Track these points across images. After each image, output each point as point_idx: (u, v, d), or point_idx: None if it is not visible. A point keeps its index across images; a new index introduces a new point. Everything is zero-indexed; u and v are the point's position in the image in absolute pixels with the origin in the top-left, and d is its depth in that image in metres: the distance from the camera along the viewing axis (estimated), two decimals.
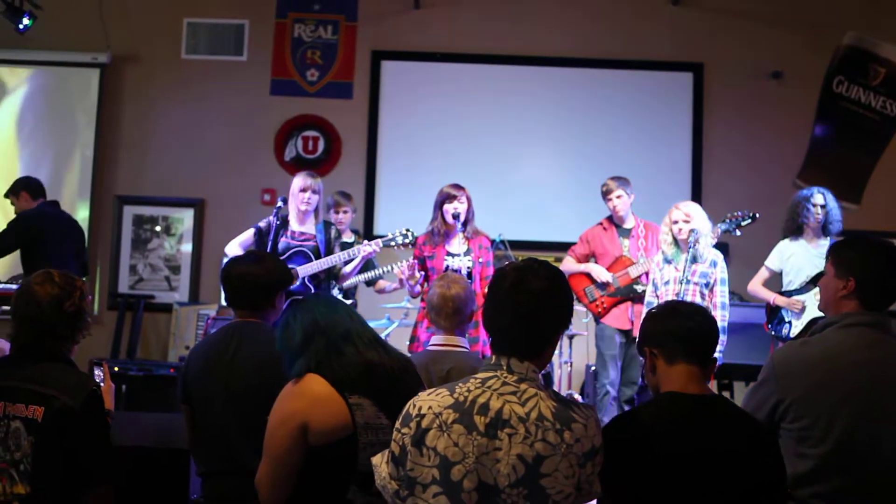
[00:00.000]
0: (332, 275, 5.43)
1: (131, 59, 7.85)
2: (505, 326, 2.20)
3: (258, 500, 3.04)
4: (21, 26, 6.94)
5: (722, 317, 5.22)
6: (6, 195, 6.40)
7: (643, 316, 2.68)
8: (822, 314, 5.14)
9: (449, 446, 2.11)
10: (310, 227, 5.35)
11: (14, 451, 2.64)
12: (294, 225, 5.35)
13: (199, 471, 3.25)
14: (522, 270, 2.22)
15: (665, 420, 2.32)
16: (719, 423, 2.32)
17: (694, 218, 5.28)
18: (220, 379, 3.16)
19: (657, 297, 5.32)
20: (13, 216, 6.29)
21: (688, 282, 5.25)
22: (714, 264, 5.29)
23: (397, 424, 2.23)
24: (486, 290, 2.34)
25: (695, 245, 5.20)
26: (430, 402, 2.18)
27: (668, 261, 5.33)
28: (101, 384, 2.95)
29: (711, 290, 5.28)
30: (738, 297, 6.42)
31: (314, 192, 5.31)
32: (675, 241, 5.30)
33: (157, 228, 7.81)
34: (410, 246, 5.47)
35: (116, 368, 6.09)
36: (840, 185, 7.30)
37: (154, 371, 6.28)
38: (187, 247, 7.78)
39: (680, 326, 2.40)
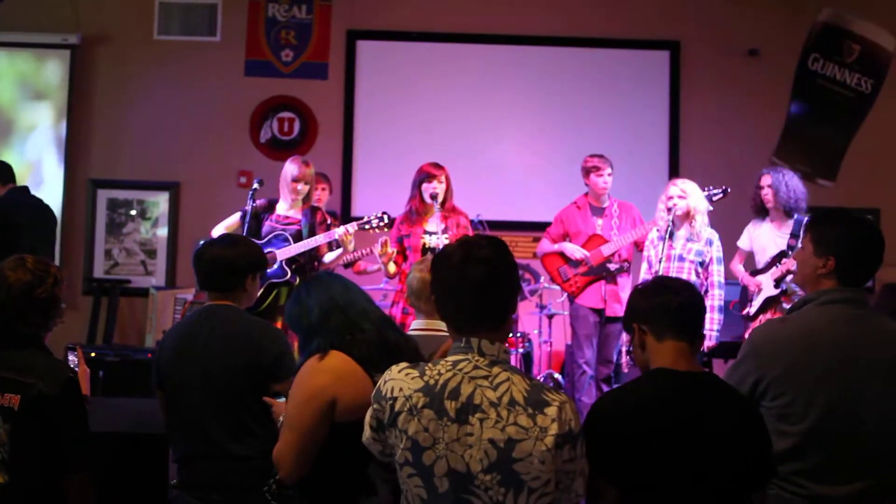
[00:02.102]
0: (313, 258, 5.39)
1: (102, 40, 7.72)
2: (465, 303, 2.17)
3: (234, 482, 3.04)
4: None
5: (718, 296, 5.28)
6: None
7: (631, 291, 2.66)
8: (774, 294, 5.27)
9: (419, 431, 2.09)
10: (296, 212, 5.32)
11: None
12: (280, 208, 5.33)
13: (175, 456, 3.24)
14: (466, 245, 2.21)
15: (654, 396, 2.30)
16: (708, 400, 2.32)
17: (690, 195, 5.33)
18: (194, 363, 3.14)
19: (651, 275, 5.34)
20: None
21: (682, 259, 5.29)
22: (710, 243, 5.34)
23: (372, 396, 2.22)
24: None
25: (678, 220, 5.31)
26: (400, 383, 2.15)
27: (661, 238, 5.36)
28: (76, 369, 2.92)
29: (707, 269, 5.32)
30: None
31: (306, 182, 5.30)
32: (671, 218, 5.34)
33: (132, 212, 7.73)
34: (386, 229, 5.44)
35: (93, 354, 6.04)
36: (815, 162, 7.36)
37: (131, 356, 6.23)
38: (163, 230, 7.70)
39: (669, 302, 2.39)
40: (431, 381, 2.13)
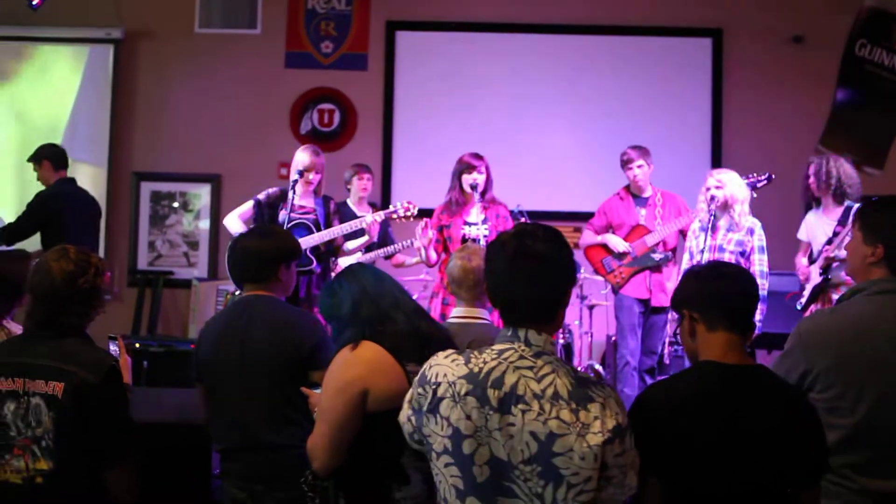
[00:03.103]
0: (333, 248, 5.44)
1: (145, 34, 7.80)
2: (517, 296, 2.14)
3: (277, 473, 3.05)
4: (34, 2, 6.90)
5: (760, 286, 5.17)
6: (29, 160, 6.42)
7: (683, 273, 2.60)
8: (819, 282, 5.15)
9: (461, 418, 2.07)
10: (309, 201, 5.34)
11: (35, 427, 2.64)
12: (294, 199, 5.32)
13: (216, 447, 3.26)
14: (522, 236, 2.16)
15: (702, 390, 2.25)
16: (758, 394, 2.25)
17: (727, 185, 5.25)
18: (234, 355, 3.16)
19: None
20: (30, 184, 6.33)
21: (722, 250, 5.22)
22: (751, 232, 5.26)
23: (416, 379, 2.20)
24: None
25: (718, 210, 5.22)
26: (445, 369, 2.14)
27: (703, 229, 5.30)
28: (118, 359, 2.95)
29: (748, 259, 5.24)
30: None
31: (317, 171, 5.32)
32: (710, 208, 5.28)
33: (175, 204, 7.81)
34: (412, 218, 5.50)
35: (137, 345, 6.13)
36: (863, 150, 7.21)
37: (175, 347, 6.30)
38: (205, 222, 7.78)
39: (726, 291, 2.31)
40: (476, 369, 2.10)
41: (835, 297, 5.09)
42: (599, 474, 2.03)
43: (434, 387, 2.13)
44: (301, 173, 5.33)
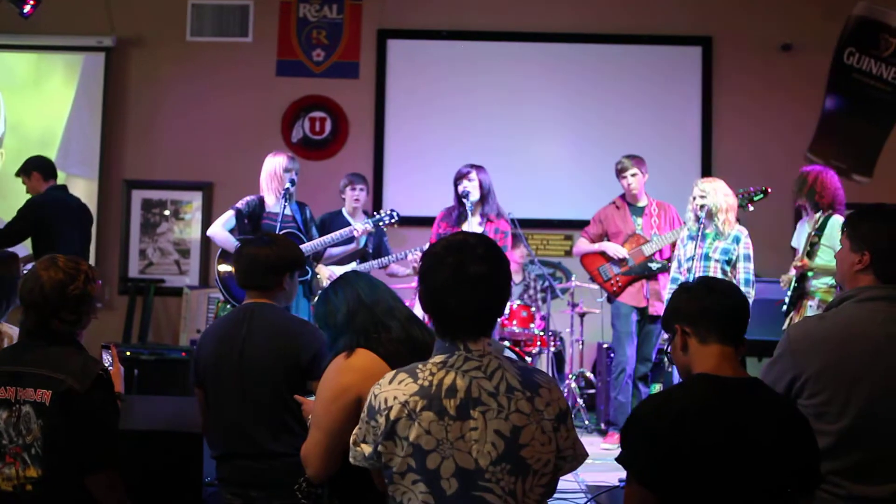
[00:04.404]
0: (316, 255, 5.47)
1: (136, 42, 7.82)
2: (454, 312, 2.15)
3: (273, 479, 3.06)
4: (25, 11, 6.90)
5: (746, 293, 5.16)
6: (17, 174, 6.40)
7: (673, 290, 2.61)
8: (794, 289, 5.15)
9: (421, 434, 2.06)
10: (287, 208, 5.31)
11: (25, 435, 2.65)
12: (274, 206, 5.30)
13: (213, 453, 3.26)
14: (460, 253, 2.15)
15: (699, 404, 2.24)
16: (754, 407, 2.25)
17: (709, 194, 5.26)
18: (234, 361, 3.17)
19: (681, 273, 5.31)
20: (21, 195, 6.30)
21: (708, 258, 5.24)
22: (737, 240, 5.27)
23: (363, 415, 2.17)
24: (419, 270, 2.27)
25: (704, 220, 5.20)
26: (394, 391, 2.11)
27: (691, 237, 5.31)
28: (110, 367, 2.95)
29: (734, 267, 5.26)
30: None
31: (296, 173, 5.32)
32: (697, 218, 5.29)
33: (166, 212, 7.81)
34: (395, 226, 5.60)
35: (129, 353, 6.11)
36: (852, 158, 7.26)
37: (166, 355, 6.30)
38: (196, 230, 7.77)
39: (717, 305, 2.32)
40: (426, 384, 2.10)
41: (810, 303, 5.07)
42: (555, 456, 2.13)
43: (385, 412, 2.09)
44: (293, 181, 5.32)
